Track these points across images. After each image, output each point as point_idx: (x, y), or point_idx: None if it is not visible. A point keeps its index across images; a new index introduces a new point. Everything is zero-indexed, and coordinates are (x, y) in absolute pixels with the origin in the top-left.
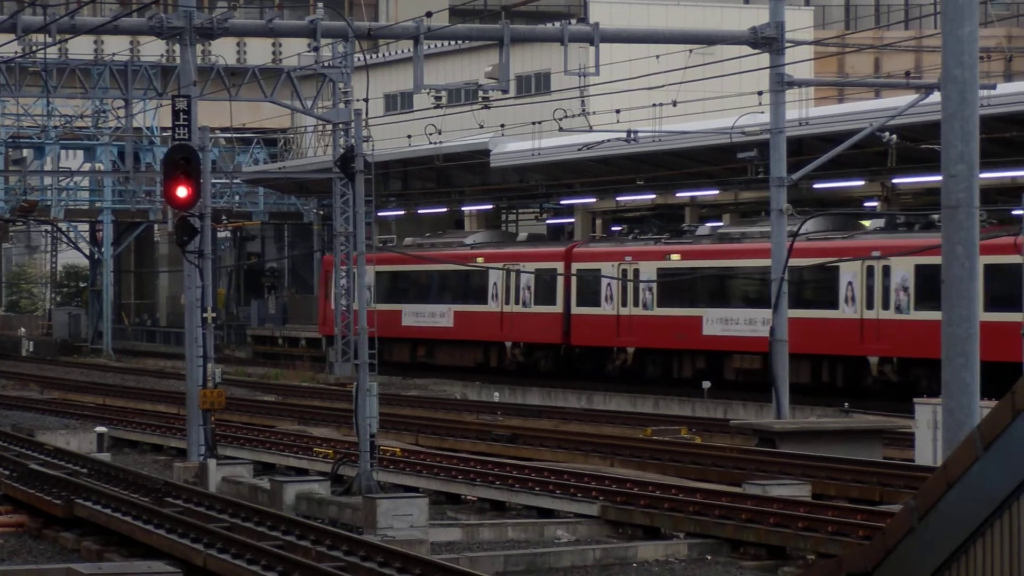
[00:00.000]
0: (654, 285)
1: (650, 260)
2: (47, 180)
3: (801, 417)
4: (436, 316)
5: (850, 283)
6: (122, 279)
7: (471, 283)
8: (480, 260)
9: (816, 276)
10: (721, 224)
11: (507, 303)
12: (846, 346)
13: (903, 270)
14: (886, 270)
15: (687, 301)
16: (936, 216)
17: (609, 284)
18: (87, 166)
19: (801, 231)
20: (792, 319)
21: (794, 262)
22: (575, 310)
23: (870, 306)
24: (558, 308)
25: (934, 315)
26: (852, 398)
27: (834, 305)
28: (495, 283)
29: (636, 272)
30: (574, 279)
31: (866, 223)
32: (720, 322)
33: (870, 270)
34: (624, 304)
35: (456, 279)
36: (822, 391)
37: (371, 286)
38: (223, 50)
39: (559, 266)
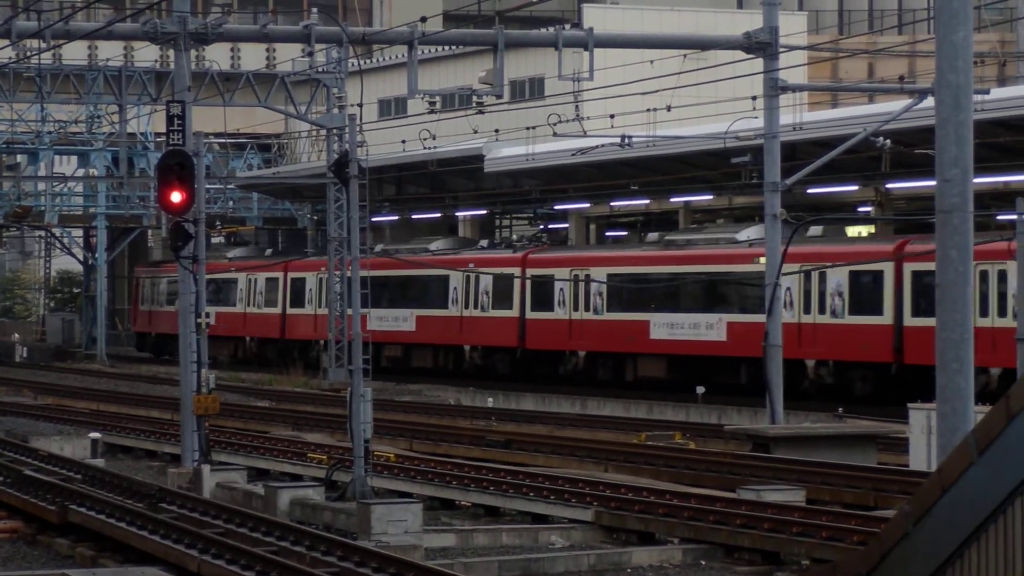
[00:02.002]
0: (604, 291)
1: (600, 266)
2: (41, 186)
3: (795, 422)
4: (399, 320)
5: (788, 289)
6: (116, 285)
7: (432, 288)
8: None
9: (759, 282)
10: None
11: (466, 307)
12: (785, 349)
13: (838, 276)
14: (822, 276)
15: (636, 306)
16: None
17: (562, 289)
18: (81, 171)
19: (744, 238)
20: (737, 323)
21: (738, 269)
22: (530, 315)
23: (807, 311)
24: (514, 312)
25: (866, 319)
26: (789, 400)
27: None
28: (455, 288)
29: (587, 278)
30: (529, 284)
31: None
32: (667, 326)
33: (807, 276)
34: (576, 309)
35: (418, 284)
36: (761, 392)
37: (341, 292)
38: (217, 55)
39: (516, 271)
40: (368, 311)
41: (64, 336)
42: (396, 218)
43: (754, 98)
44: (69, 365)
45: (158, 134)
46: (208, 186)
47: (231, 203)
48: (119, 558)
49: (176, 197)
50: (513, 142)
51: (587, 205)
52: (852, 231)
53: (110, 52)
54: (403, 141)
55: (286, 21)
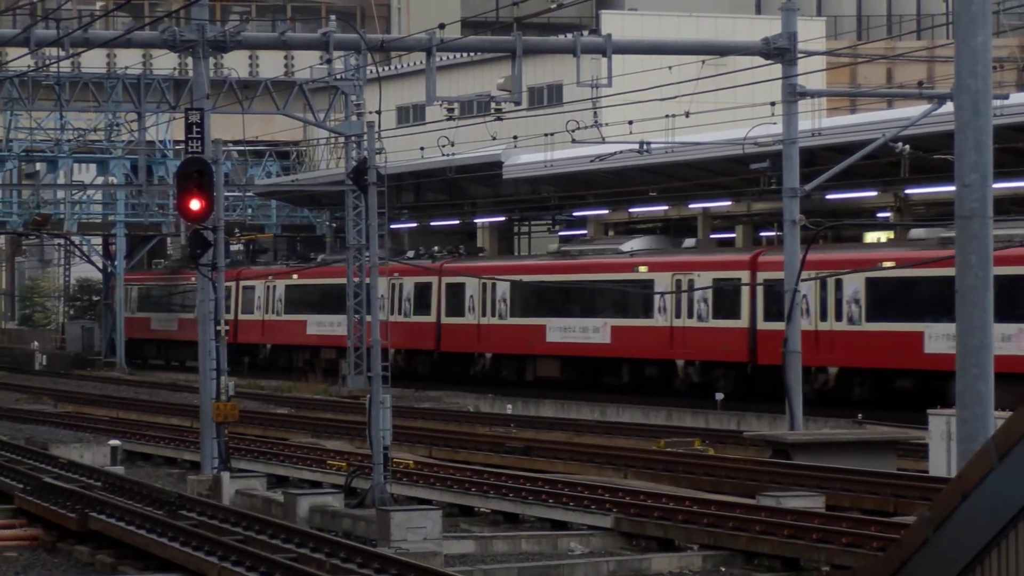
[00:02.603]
0: (508, 297)
1: (504, 275)
2: (60, 194)
3: (815, 428)
4: (334, 326)
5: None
6: None
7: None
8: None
9: (638, 290)
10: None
11: (392, 313)
12: (658, 351)
13: (704, 283)
14: (691, 283)
15: (534, 312)
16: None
17: (472, 296)
18: (100, 179)
19: (627, 249)
20: (619, 327)
21: (620, 277)
22: (445, 320)
23: (678, 315)
24: (432, 318)
25: (727, 323)
26: (664, 397)
27: (650, 315)
28: (381, 295)
29: (494, 286)
30: (445, 292)
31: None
32: (560, 330)
33: (679, 284)
34: (484, 314)
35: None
36: (641, 391)
37: (282, 299)
38: (236, 63)
39: (434, 280)
40: (307, 318)
41: (83, 344)
42: (415, 225)
43: (773, 104)
44: (88, 373)
45: (177, 142)
46: (227, 194)
47: (250, 211)
48: (139, 565)
49: (195, 205)
50: (531, 149)
51: (606, 212)
52: (871, 236)
53: (129, 60)
54: (421, 148)
55: (304, 29)
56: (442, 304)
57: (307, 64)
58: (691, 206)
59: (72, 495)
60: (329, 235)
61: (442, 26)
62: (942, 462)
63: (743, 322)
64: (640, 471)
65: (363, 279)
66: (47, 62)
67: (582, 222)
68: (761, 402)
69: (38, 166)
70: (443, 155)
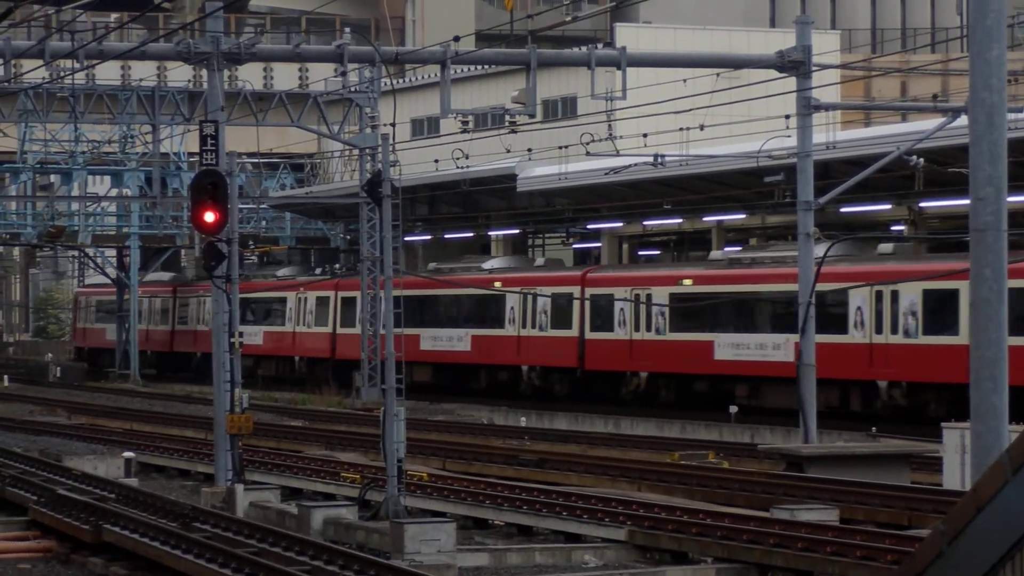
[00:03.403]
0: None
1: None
2: (74, 206)
3: (828, 442)
4: (252, 336)
5: (512, 308)
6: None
7: (273, 308)
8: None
9: (492, 301)
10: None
11: (297, 325)
12: (509, 358)
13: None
14: (535, 297)
15: (412, 322)
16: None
17: (361, 309)
18: (114, 191)
19: (488, 267)
20: (478, 336)
21: (479, 292)
22: (339, 330)
23: (524, 326)
24: (328, 328)
25: (562, 333)
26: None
27: (502, 325)
28: (291, 307)
29: (379, 299)
30: (340, 304)
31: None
32: (432, 339)
33: (525, 298)
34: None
35: (263, 305)
36: (498, 394)
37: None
38: (250, 75)
39: (331, 294)
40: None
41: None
42: (429, 237)
43: (787, 117)
44: (102, 385)
45: (191, 154)
46: (241, 206)
47: (264, 223)
48: None
49: (209, 217)
50: (546, 161)
51: (620, 224)
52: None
53: (143, 72)
54: (436, 160)
55: (319, 41)
56: (337, 316)
57: (322, 76)
58: (705, 219)
59: (86, 507)
60: (343, 247)
61: (457, 39)
62: (956, 475)
63: (574, 332)
64: (654, 484)
65: (377, 292)
66: (62, 74)
67: (596, 235)
68: (593, 403)
69: (52, 178)
70: (457, 168)
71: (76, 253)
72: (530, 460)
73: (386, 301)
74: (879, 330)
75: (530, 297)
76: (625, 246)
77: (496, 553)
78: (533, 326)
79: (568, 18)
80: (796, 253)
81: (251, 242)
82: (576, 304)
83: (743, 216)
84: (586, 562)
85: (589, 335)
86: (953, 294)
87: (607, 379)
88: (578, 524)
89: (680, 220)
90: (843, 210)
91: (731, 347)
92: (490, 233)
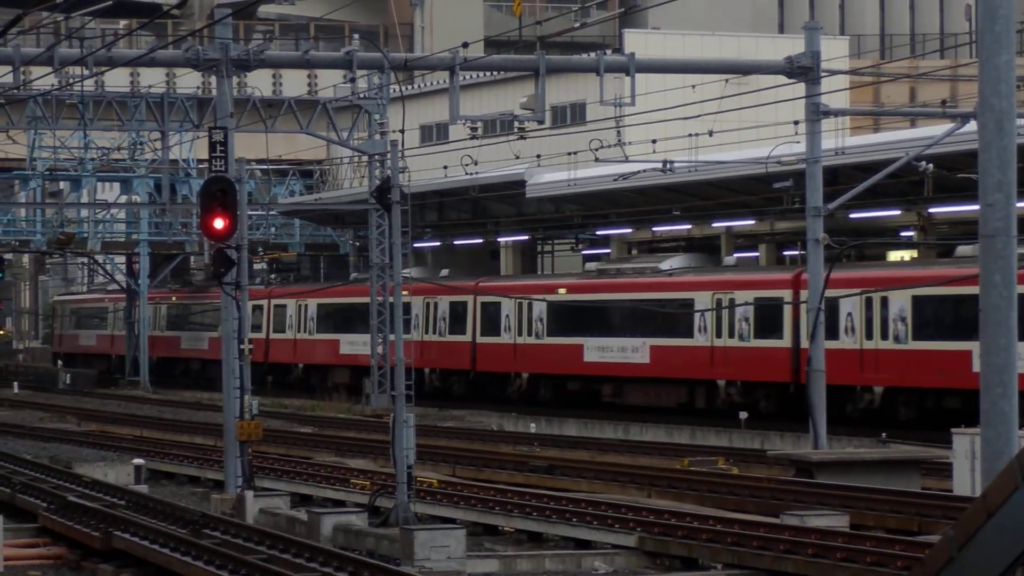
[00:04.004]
0: (315, 316)
1: (314, 298)
2: (84, 212)
3: (838, 447)
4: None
5: (417, 315)
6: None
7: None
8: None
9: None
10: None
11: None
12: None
13: (444, 306)
14: (436, 305)
15: (331, 328)
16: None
17: (291, 315)
18: (123, 198)
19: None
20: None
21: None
22: (272, 335)
23: (426, 331)
24: (262, 335)
25: (458, 338)
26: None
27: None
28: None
29: (306, 307)
30: (273, 312)
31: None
32: (348, 344)
33: (427, 306)
34: (300, 331)
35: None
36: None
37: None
38: (259, 82)
39: (264, 303)
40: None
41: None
42: (438, 244)
43: (796, 123)
44: (112, 391)
45: (200, 160)
46: (250, 212)
47: (273, 229)
48: None
49: (219, 223)
50: (555, 167)
51: (629, 230)
52: (895, 255)
53: (152, 79)
54: (445, 167)
55: (327, 47)
56: (270, 323)
57: (330, 83)
58: (714, 225)
59: (96, 514)
60: (353, 254)
61: (465, 45)
62: (966, 481)
63: (468, 337)
64: (664, 490)
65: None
66: (71, 81)
67: (605, 241)
68: (482, 401)
69: (62, 185)
70: (466, 174)
71: (85, 260)
72: (540, 466)
73: (396, 306)
74: (719, 334)
75: (432, 305)
76: (634, 252)
77: (506, 560)
78: (434, 332)
79: (577, 24)
80: (654, 264)
81: (260, 249)
82: (470, 310)
83: (752, 222)
84: (596, 568)
85: (480, 340)
86: (778, 302)
87: (495, 379)
88: (588, 530)
89: (689, 226)
90: (852, 216)
91: (598, 350)
92: (499, 239)
